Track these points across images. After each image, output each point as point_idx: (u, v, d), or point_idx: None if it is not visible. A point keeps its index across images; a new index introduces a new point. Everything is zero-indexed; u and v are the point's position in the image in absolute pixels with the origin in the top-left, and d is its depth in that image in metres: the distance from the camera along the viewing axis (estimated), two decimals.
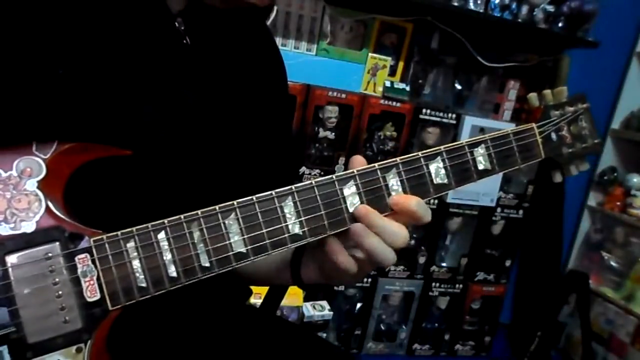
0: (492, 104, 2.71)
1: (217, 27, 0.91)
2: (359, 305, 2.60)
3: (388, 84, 2.38)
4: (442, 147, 0.81)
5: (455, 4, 2.29)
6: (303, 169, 2.21)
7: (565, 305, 2.97)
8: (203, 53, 0.87)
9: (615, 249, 2.94)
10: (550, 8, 2.45)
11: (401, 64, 2.49)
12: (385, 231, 0.76)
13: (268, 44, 1.06)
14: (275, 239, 0.74)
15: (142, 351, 0.86)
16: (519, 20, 2.42)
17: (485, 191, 2.56)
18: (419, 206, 0.76)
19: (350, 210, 0.77)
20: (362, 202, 0.77)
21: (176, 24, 0.84)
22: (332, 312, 2.27)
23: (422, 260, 2.60)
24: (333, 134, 2.32)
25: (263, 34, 1.05)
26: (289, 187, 0.75)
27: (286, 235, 0.74)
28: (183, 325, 0.94)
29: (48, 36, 0.71)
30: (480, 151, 0.83)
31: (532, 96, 0.92)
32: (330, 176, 0.76)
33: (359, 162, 0.79)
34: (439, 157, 0.81)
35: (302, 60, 2.28)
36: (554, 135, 0.90)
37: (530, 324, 2.86)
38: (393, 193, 0.78)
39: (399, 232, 0.76)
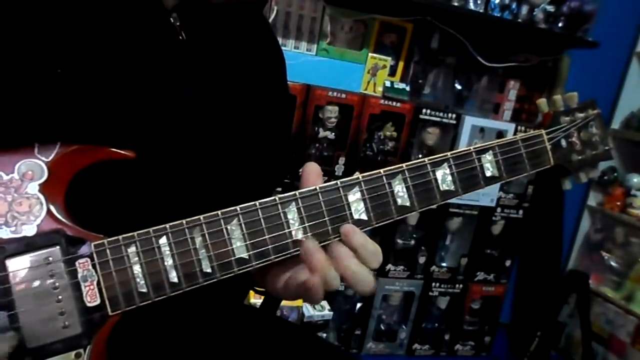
0: (492, 104, 2.72)
1: (213, 21, 0.90)
2: (359, 305, 2.60)
3: (388, 84, 2.38)
4: (449, 153, 0.80)
5: (455, 4, 2.29)
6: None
7: (565, 305, 2.97)
8: (200, 48, 0.87)
9: (615, 249, 2.94)
10: (550, 8, 2.45)
11: (401, 64, 2.49)
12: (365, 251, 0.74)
13: (266, 37, 1.04)
14: (278, 245, 0.73)
15: (142, 356, 0.86)
16: (519, 20, 2.43)
17: (485, 191, 2.55)
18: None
19: (355, 216, 0.76)
20: (366, 209, 0.77)
21: (171, 19, 0.83)
22: (332, 312, 2.27)
23: (422, 260, 2.59)
24: (333, 134, 2.31)
25: (261, 26, 1.04)
26: (293, 192, 0.74)
27: (289, 241, 0.74)
28: (183, 330, 0.94)
29: (44, 35, 0.71)
30: (488, 158, 0.83)
31: (542, 102, 0.91)
32: (334, 182, 0.75)
33: (311, 169, 0.78)
34: (445, 164, 0.80)
35: (302, 60, 2.28)
36: (563, 142, 0.89)
37: (530, 324, 2.87)
38: (399, 200, 0.78)
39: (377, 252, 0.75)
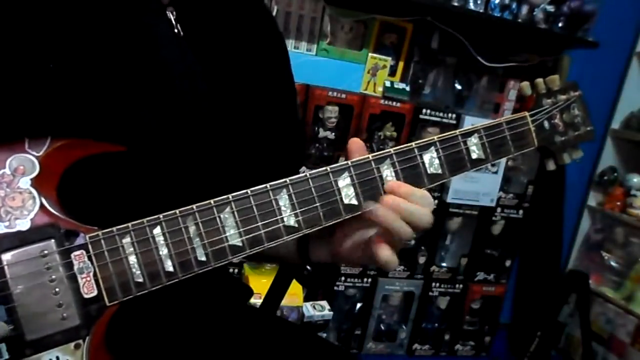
0: (492, 104, 2.71)
1: (209, 14, 0.90)
2: (359, 305, 2.60)
3: (388, 84, 2.38)
4: (435, 137, 0.81)
5: (455, 4, 2.29)
6: (303, 169, 2.20)
7: (565, 305, 2.96)
8: (196, 42, 0.87)
9: (615, 249, 2.94)
10: (550, 8, 2.45)
11: (401, 64, 2.48)
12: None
13: (265, 22, 1.03)
14: (270, 232, 0.74)
15: (140, 347, 0.86)
16: (519, 20, 2.42)
17: (485, 191, 2.56)
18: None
19: (345, 201, 0.77)
20: (356, 194, 0.78)
21: (167, 13, 0.83)
22: (332, 312, 2.27)
23: (422, 260, 2.59)
24: (333, 134, 2.32)
25: (259, 11, 1.02)
26: (284, 179, 0.75)
27: (281, 227, 0.75)
28: (182, 323, 0.94)
29: (37, 30, 0.71)
30: (473, 140, 0.83)
31: (525, 85, 0.92)
32: (324, 168, 0.77)
33: (355, 146, 0.80)
34: (432, 148, 0.81)
35: (302, 60, 2.28)
36: (546, 124, 0.90)
37: (530, 324, 2.86)
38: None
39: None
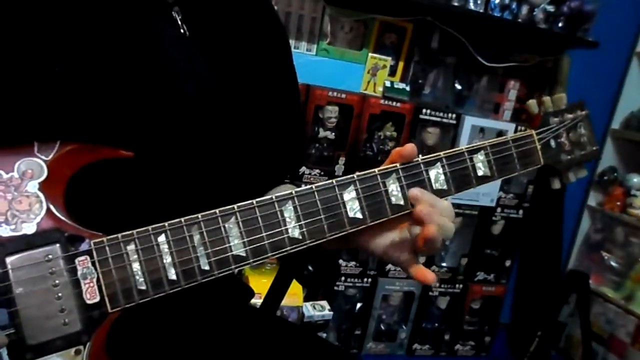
0: (492, 104, 2.71)
1: (215, 13, 0.89)
2: (359, 305, 2.61)
3: (388, 84, 2.38)
4: (441, 153, 0.82)
5: (455, 4, 2.29)
6: (303, 169, 2.21)
7: (565, 305, 2.97)
8: (202, 42, 0.86)
9: (615, 249, 2.94)
10: (550, 8, 2.45)
11: (401, 64, 2.49)
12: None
13: (270, 21, 1.03)
14: (274, 243, 0.74)
15: (141, 354, 0.86)
16: (519, 20, 2.42)
17: (485, 191, 2.56)
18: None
19: (350, 214, 0.77)
20: (361, 207, 0.78)
21: (173, 13, 0.83)
22: (332, 312, 2.27)
23: (422, 260, 2.58)
24: (333, 134, 2.32)
25: (264, 10, 1.01)
26: (289, 191, 0.75)
27: (285, 238, 0.75)
28: (183, 327, 0.94)
29: (42, 33, 0.71)
30: (479, 157, 0.84)
31: (532, 103, 0.93)
32: (330, 181, 0.77)
33: (408, 150, 0.80)
34: (438, 163, 0.81)
35: (302, 60, 2.27)
36: (552, 142, 0.91)
37: (530, 324, 2.87)
38: (393, 198, 0.79)
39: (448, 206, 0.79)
